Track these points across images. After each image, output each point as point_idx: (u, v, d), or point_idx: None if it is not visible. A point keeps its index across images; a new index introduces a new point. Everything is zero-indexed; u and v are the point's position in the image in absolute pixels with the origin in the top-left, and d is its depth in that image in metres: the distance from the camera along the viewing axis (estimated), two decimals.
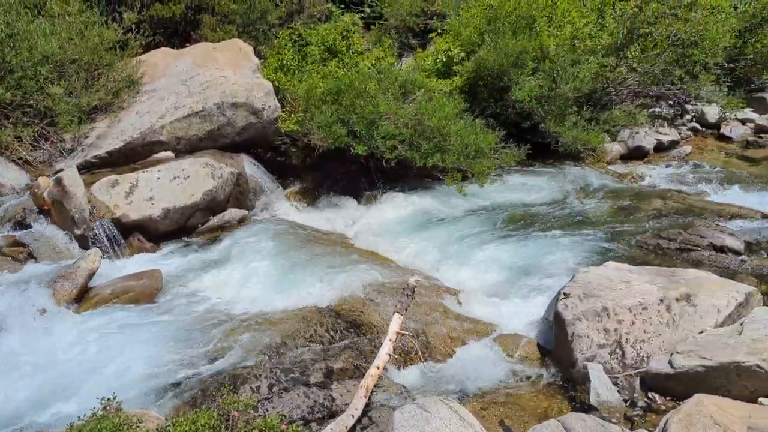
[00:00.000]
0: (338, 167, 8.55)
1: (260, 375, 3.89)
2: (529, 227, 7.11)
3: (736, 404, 3.24)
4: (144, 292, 5.18)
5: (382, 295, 5.09)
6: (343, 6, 13.26)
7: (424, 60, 10.52)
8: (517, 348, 4.67)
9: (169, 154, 7.34)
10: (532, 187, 8.48)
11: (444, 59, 10.14)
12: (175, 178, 6.69)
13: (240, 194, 7.37)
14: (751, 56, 9.93)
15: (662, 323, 4.34)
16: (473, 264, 6.31)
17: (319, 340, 4.47)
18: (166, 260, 6.10)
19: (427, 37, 12.57)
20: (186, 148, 7.49)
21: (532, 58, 9.29)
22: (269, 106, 7.93)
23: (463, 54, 10.01)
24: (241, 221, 7.10)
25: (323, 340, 4.47)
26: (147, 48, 9.16)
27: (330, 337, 4.54)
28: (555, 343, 4.56)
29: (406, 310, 3.89)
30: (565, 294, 4.70)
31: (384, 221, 7.41)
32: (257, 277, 5.53)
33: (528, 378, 4.38)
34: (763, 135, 9.34)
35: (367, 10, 13.38)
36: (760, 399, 3.74)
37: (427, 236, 6.97)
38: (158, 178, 6.61)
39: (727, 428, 2.93)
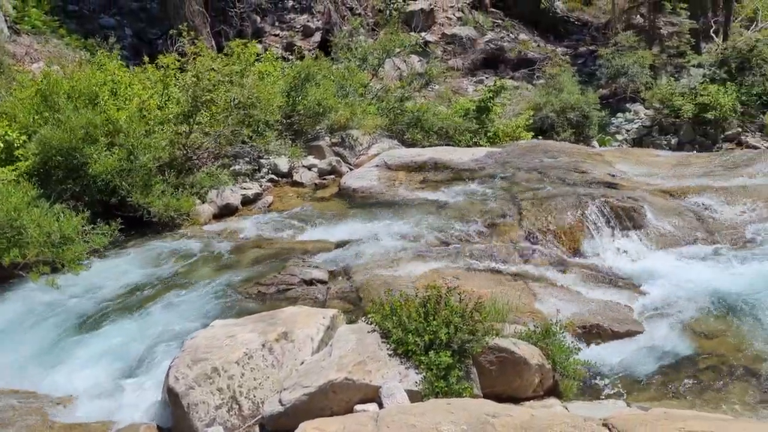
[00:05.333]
0: None
1: None
2: (136, 306, 6.87)
3: (333, 420, 3.72)
4: None
5: None
6: None
7: None
8: None
9: None
10: (133, 263, 8.22)
11: (2, 145, 9.08)
12: None
13: None
14: (302, 111, 11.60)
15: (268, 366, 4.70)
16: (81, 362, 5.84)
17: None
18: None
19: None
20: None
21: (105, 133, 9.06)
22: None
23: (24, 137, 9.14)
24: None
25: None
26: None
27: None
28: (173, 419, 4.50)
29: None
30: (175, 366, 4.69)
31: None
32: None
33: None
34: (326, 177, 10.95)
35: None
36: (355, 406, 4.37)
37: (16, 346, 6.12)
38: None
39: None
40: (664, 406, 4.93)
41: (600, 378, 5.47)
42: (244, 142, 10.48)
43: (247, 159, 10.76)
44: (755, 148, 14.10)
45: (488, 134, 13.28)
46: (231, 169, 10.46)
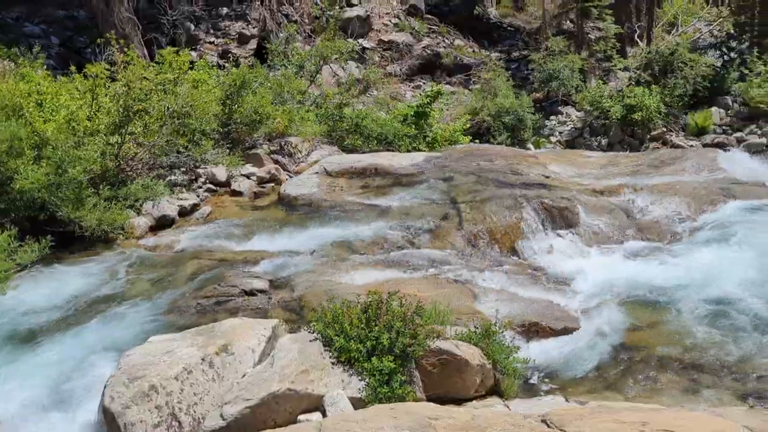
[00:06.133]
0: None
1: None
2: (68, 324, 6.61)
3: None
4: None
5: None
6: None
7: None
8: None
9: None
10: (65, 280, 7.90)
11: None
12: None
13: None
14: (239, 119, 11.44)
15: (209, 380, 4.60)
16: (8, 384, 5.55)
17: None
18: None
19: None
20: None
21: (31, 146, 8.70)
22: None
23: None
24: None
25: None
26: None
27: None
28: None
29: None
30: (110, 385, 4.53)
31: None
32: None
33: None
34: (265, 185, 10.82)
35: None
36: (299, 417, 4.34)
37: None
38: None
39: None
40: (602, 399, 5.10)
41: (540, 375, 5.61)
42: (179, 152, 10.24)
43: (184, 169, 10.51)
44: (679, 146, 14.82)
45: (427, 139, 13.45)
46: (167, 179, 10.19)
